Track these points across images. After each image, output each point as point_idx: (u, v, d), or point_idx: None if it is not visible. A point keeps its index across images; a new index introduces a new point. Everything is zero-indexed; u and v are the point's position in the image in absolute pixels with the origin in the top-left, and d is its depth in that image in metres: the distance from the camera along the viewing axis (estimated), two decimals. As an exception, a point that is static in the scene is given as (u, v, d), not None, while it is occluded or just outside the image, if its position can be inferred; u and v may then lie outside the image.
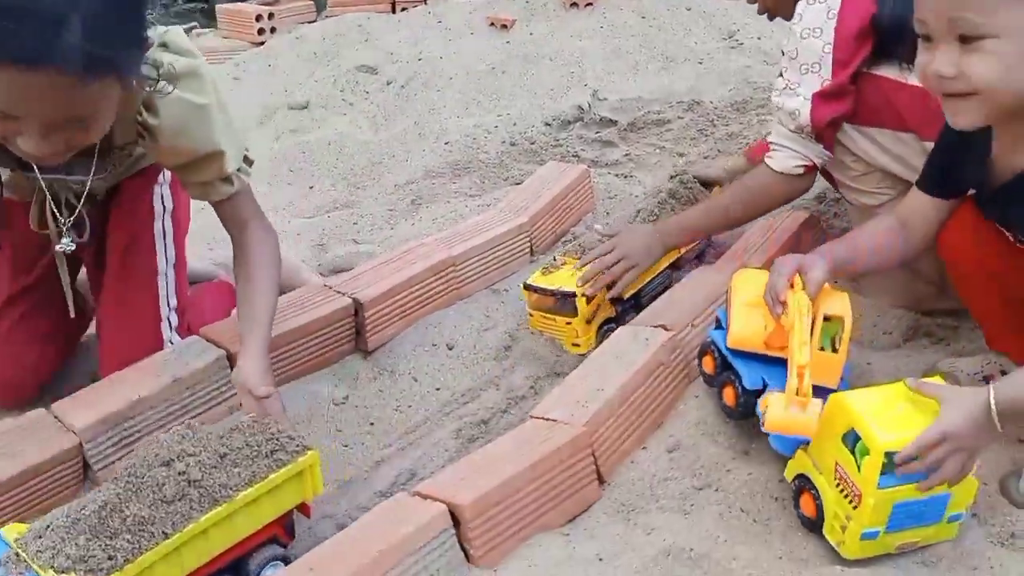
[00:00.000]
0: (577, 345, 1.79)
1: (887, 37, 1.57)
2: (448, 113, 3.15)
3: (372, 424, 1.72)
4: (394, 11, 4.36)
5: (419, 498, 1.30)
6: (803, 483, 1.27)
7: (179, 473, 1.21)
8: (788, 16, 1.70)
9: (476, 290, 2.05)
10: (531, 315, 1.85)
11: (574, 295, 1.74)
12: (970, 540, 1.23)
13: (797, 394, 1.20)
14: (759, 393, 1.37)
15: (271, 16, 4.29)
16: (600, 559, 1.29)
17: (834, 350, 1.34)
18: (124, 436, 1.54)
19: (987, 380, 1.45)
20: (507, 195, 2.39)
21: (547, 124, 2.93)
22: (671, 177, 2.16)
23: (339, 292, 1.87)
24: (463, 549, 1.28)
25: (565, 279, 1.80)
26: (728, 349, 1.42)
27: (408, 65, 3.50)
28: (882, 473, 1.14)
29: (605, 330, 1.80)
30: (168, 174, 1.81)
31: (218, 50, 4.19)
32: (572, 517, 1.40)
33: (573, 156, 2.76)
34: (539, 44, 3.56)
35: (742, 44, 3.29)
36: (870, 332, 1.72)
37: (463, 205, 2.60)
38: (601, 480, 1.45)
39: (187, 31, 5.12)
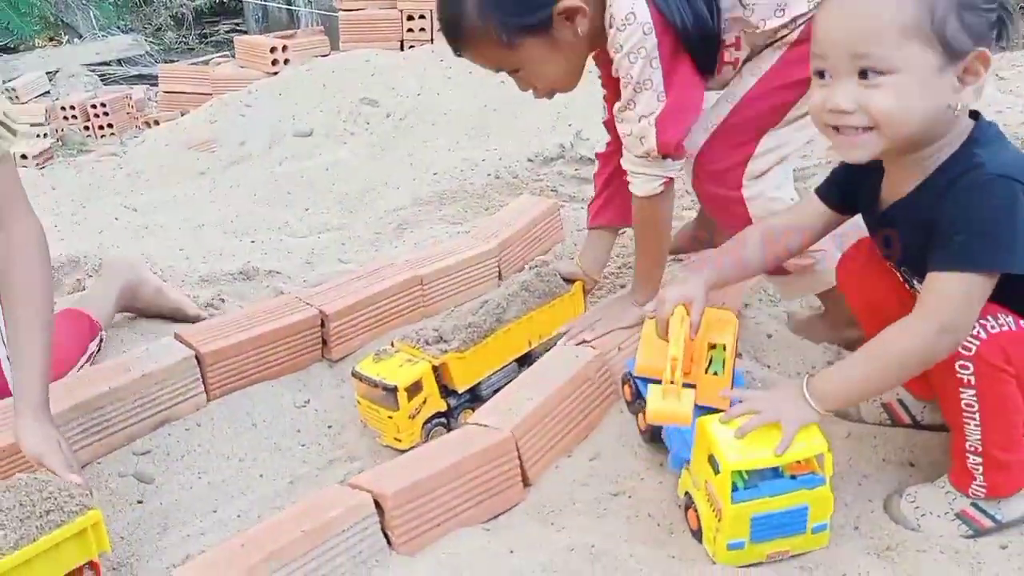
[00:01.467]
0: (399, 440, 1.67)
1: (693, 49, 1.62)
2: (440, 146, 3.32)
3: (330, 427, 1.85)
4: (402, 49, 4.57)
5: (349, 488, 1.43)
6: (688, 499, 1.38)
7: None
8: (569, 88, 1.70)
9: (443, 309, 2.18)
10: (359, 402, 1.73)
11: (396, 388, 1.63)
12: (847, 550, 1.34)
13: (672, 383, 1.32)
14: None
15: (285, 48, 4.51)
16: (511, 552, 1.40)
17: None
18: (94, 424, 1.69)
19: (884, 407, 1.56)
20: (481, 222, 2.54)
21: (530, 160, 3.09)
22: (529, 267, 2.11)
23: (307, 303, 2.02)
24: (385, 535, 1.40)
25: (392, 369, 1.67)
26: (637, 377, 1.55)
27: (408, 100, 3.69)
28: (734, 489, 1.25)
29: (434, 425, 1.70)
30: None
31: (233, 78, 4.41)
32: (495, 515, 1.52)
33: (552, 191, 2.91)
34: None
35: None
36: (794, 364, 1.83)
37: (444, 231, 2.75)
38: (527, 483, 1.57)
39: (205, 62, 5.35)
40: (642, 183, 1.70)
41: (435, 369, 1.69)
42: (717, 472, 1.28)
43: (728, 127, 1.71)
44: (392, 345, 1.75)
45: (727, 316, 1.48)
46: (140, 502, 1.62)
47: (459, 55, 1.66)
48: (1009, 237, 1.16)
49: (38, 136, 4.52)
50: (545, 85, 1.69)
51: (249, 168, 3.46)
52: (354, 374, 1.71)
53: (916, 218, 1.24)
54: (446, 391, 1.73)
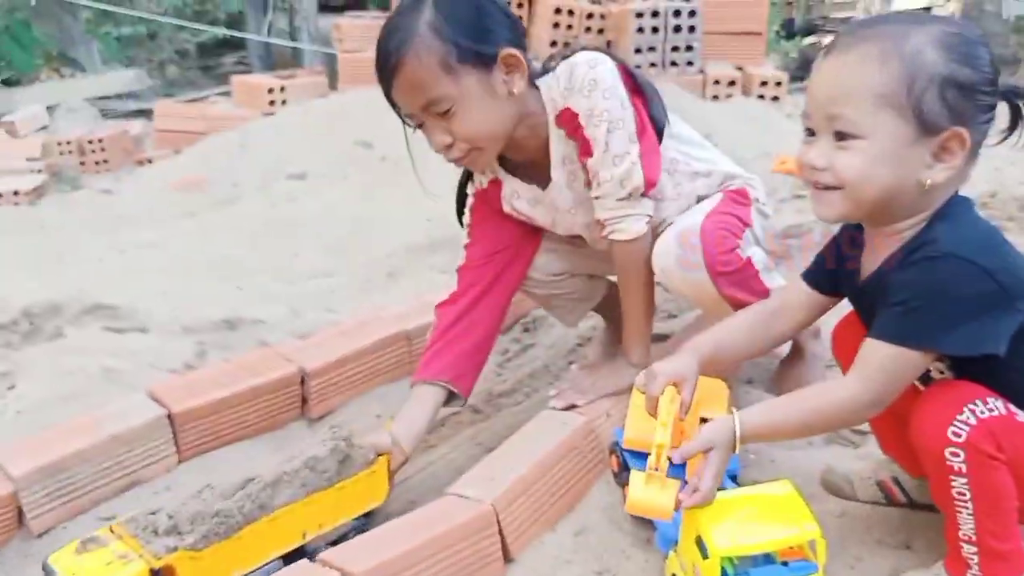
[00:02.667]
0: None
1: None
2: (434, 191, 3.27)
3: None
4: (401, 90, 4.55)
5: (319, 565, 1.35)
6: (676, 581, 1.31)
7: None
8: (488, 149, 1.61)
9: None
10: None
11: None
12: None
13: (656, 470, 1.25)
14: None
15: (284, 89, 4.50)
16: (487, 636, 1.33)
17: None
18: (59, 488, 1.62)
19: (879, 486, 1.49)
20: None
21: (525, 207, 3.04)
22: (329, 429, 1.58)
23: (288, 359, 1.95)
24: (353, 619, 1.32)
25: (97, 566, 1.30)
26: (625, 450, 1.48)
27: (403, 143, 3.65)
28: (725, 574, 1.20)
29: None
30: None
31: (229, 117, 4.39)
32: (474, 594, 1.44)
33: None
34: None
35: (716, 146, 3.41)
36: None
37: (436, 280, 2.69)
38: (508, 558, 1.49)
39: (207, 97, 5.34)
40: (630, 224, 1.67)
41: (156, 572, 1.30)
42: (705, 557, 1.22)
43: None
44: (111, 530, 1.36)
45: (719, 387, 1.42)
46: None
47: (389, 84, 1.53)
48: (943, 316, 1.14)
49: (31, 172, 4.48)
50: (468, 133, 1.56)
51: (241, 209, 3.43)
52: (44, 568, 1.32)
53: (883, 292, 1.21)
54: None
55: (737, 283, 1.64)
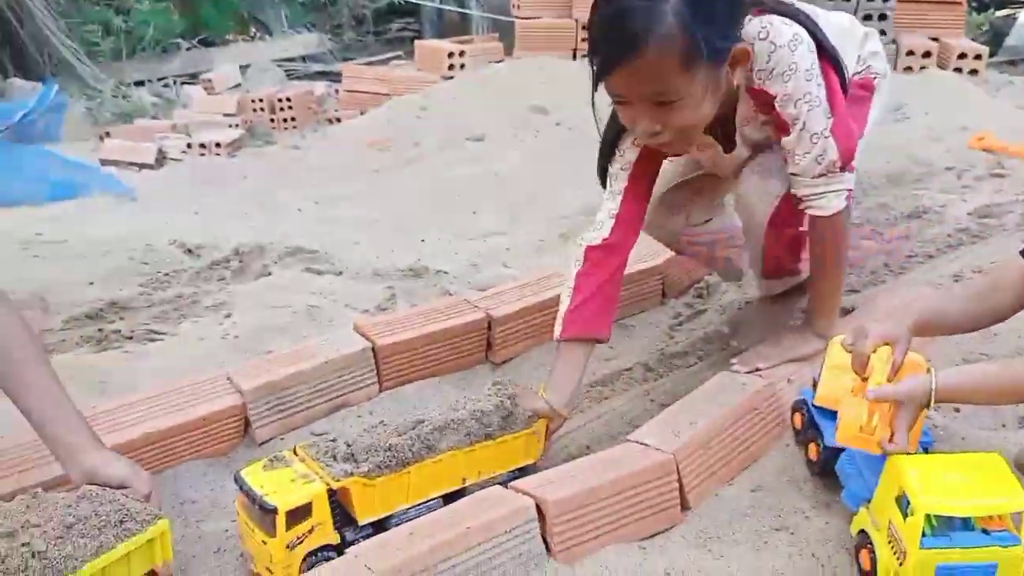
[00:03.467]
0: (269, 571, 1.40)
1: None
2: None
3: (489, 428, 1.91)
4: (575, 58, 4.62)
5: (512, 491, 1.47)
6: (864, 538, 1.34)
7: (23, 545, 1.18)
8: (692, 139, 1.65)
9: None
10: (238, 514, 1.46)
11: (275, 510, 1.35)
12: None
13: (862, 430, 1.28)
14: (839, 451, 1.46)
15: (462, 54, 4.66)
16: (667, 573, 1.40)
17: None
18: (280, 404, 1.81)
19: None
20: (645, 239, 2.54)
21: (700, 177, 3.06)
22: (493, 385, 1.66)
23: (476, 306, 2.08)
24: (545, 542, 1.43)
25: (280, 483, 1.39)
26: (815, 407, 1.51)
27: (578, 109, 3.73)
28: (924, 535, 1.21)
29: (319, 559, 1.41)
30: None
31: (411, 80, 4.59)
32: (651, 535, 1.52)
33: (721, 210, 2.87)
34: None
35: (908, 118, 3.29)
36: (982, 410, 1.73)
37: (608, 244, 2.76)
38: (685, 507, 1.56)
39: (387, 60, 5.57)
40: (830, 200, 1.70)
41: (333, 493, 1.42)
42: (907, 514, 1.23)
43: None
44: (295, 452, 1.48)
45: (919, 361, 1.42)
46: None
47: (615, 64, 1.48)
48: None
49: (230, 127, 4.85)
50: (684, 126, 1.56)
51: (422, 169, 3.61)
52: (236, 479, 1.43)
53: None
54: (344, 519, 1.45)
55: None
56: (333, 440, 1.48)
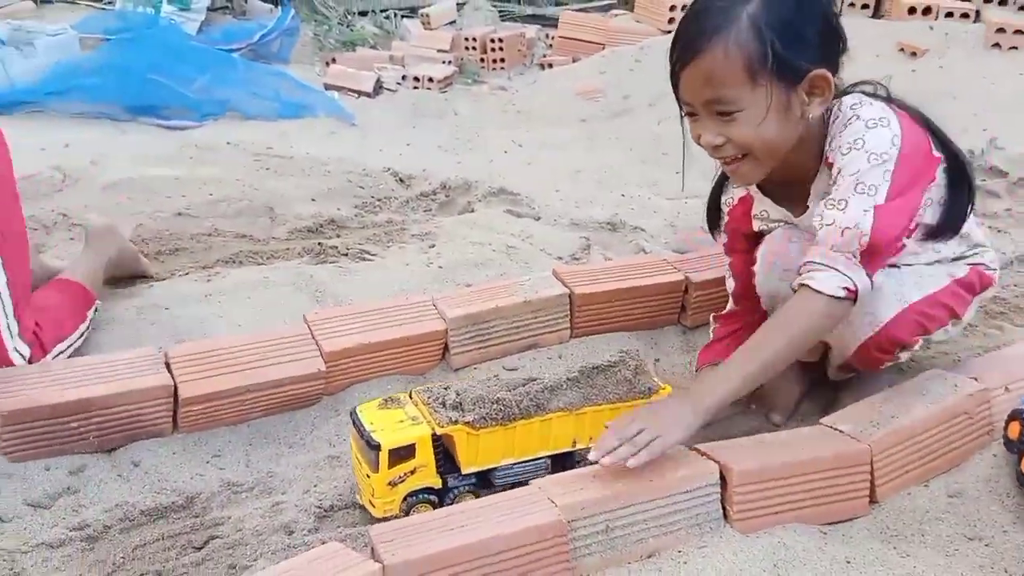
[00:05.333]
0: (372, 504, 1.46)
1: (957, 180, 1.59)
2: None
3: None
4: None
5: (698, 454, 1.48)
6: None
7: None
8: (761, 167, 1.52)
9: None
10: (352, 446, 1.52)
11: (379, 447, 1.42)
12: None
13: None
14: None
15: (684, 7, 4.55)
16: (848, 562, 1.38)
17: None
18: (478, 334, 1.91)
19: None
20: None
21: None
22: (620, 352, 1.63)
23: (675, 268, 2.09)
24: (723, 508, 1.44)
25: (388, 423, 1.46)
26: (1039, 415, 1.42)
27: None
28: None
29: (419, 500, 1.47)
30: None
31: (628, 32, 4.54)
32: (834, 521, 1.49)
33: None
34: (945, 78, 3.46)
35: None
36: None
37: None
38: (873, 500, 1.52)
39: (605, 8, 5.45)
40: (825, 277, 1.45)
41: (438, 438, 1.47)
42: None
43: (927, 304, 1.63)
44: (411, 396, 1.53)
45: None
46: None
47: (682, 64, 1.44)
48: None
49: (443, 63, 5.00)
50: (744, 142, 1.47)
51: (630, 122, 3.59)
52: (352, 414, 1.50)
53: None
54: (449, 466, 1.49)
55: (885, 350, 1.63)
56: (446, 388, 1.52)
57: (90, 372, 1.64)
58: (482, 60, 5.36)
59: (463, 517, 1.33)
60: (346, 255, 2.44)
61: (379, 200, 2.86)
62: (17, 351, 1.70)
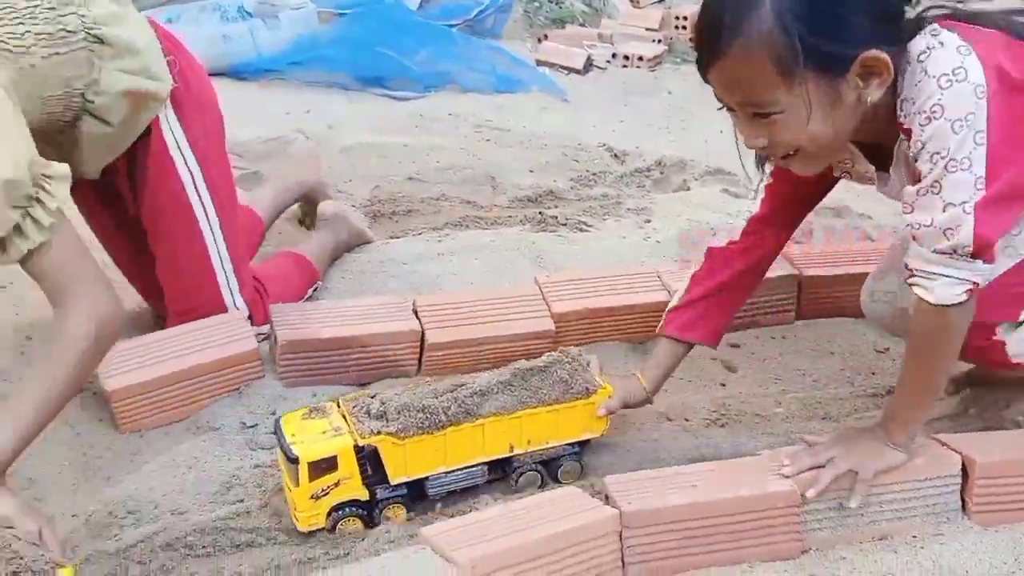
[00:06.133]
0: (297, 519, 1.41)
1: None
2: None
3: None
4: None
5: (938, 443, 1.46)
6: None
7: None
8: (815, 163, 1.34)
9: None
10: (279, 459, 1.46)
11: (298, 459, 1.36)
12: None
13: None
14: None
15: None
16: (1099, 570, 1.32)
17: None
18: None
19: None
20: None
21: None
22: (560, 352, 1.60)
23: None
24: (962, 500, 1.42)
25: (310, 434, 1.40)
26: None
27: None
28: None
29: (345, 514, 1.42)
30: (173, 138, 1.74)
31: None
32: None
33: None
34: None
35: None
36: None
37: None
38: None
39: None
40: (941, 287, 1.29)
41: (362, 448, 1.40)
42: None
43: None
44: (338, 404, 1.47)
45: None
46: (723, 384, 1.85)
47: (705, 64, 1.27)
48: None
49: (653, 41, 5.00)
50: (790, 143, 1.30)
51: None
52: (275, 425, 1.44)
53: None
54: (379, 477, 1.43)
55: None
56: (372, 396, 1.47)
57: (351, 314, 1.82)
58: (691, 40, 5.30)
59: (695, 477, 1.39)
60: (564, 225, 2.54)
61: (594, 174, 2.94)
62: (237, 309, 1.81)
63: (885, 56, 1.24)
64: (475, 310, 1.87)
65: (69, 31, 1.53)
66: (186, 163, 1.75)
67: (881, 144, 1.39)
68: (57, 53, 1.51)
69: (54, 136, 1.57)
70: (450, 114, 3.52)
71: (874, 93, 1.26)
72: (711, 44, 1.25)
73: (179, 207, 1.76)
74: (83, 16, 1.55)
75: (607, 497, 1.37)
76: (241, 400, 1.71)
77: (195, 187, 1.76)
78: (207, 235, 1.79)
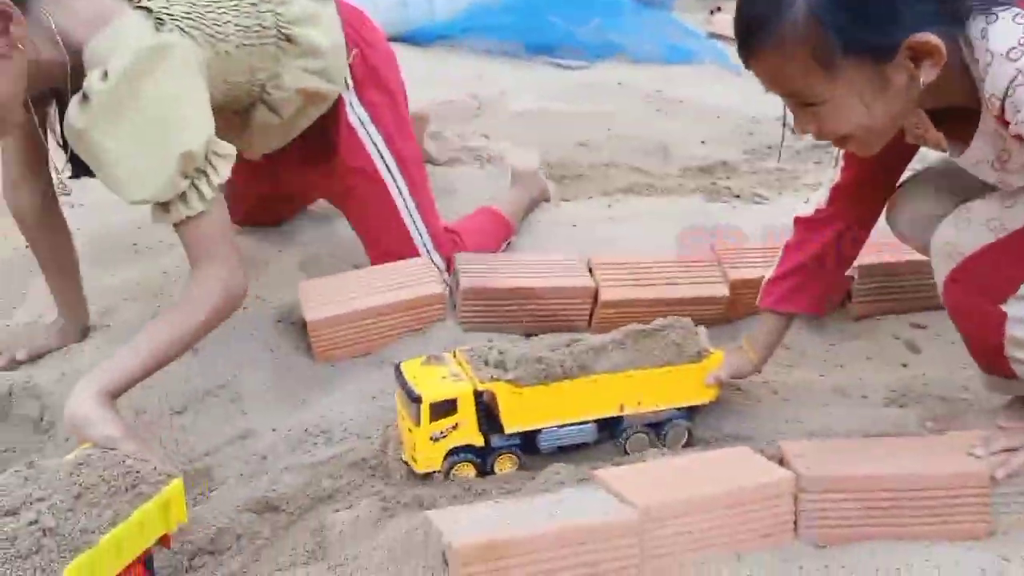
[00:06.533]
0: (414, 459, 1.43)
1: None
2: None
3: None
4: None
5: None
6: None
7: (30, 523, 1.06)
8: (870, 146, 1.28)
9: None
10: (398, 402, 1.49)
11: (420, 399, 1.39)
12: None
13: None
14: None
15: None
16: None
17: None
18: (885, 285, 1.89)
19: None
20: None
21: None
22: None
23: None
24: None
25: (431, 378, 1.43)
26: None
27: None
28: None
29: (460, 459, 1.44)
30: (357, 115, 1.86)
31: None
32: None
33: None
34: None
35: None
36: None
37: None
38: None
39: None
40: None
41: (480, 395, 1.43)
42: None
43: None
44: (454, 355, 1.50)
45: None
46: (905, 365, 1.79)
47: (744, 58, 1.24)
48: None
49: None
50: (845, 131, 1.24)
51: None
52: (395, 370, 1.48)
53: None
54: (493, 425, 1.44)
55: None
56: (489, 347, 1.50)
57: (529, 267, 1.88)
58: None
59: (880, 449, 1.36)
60: (739, 196, 2.51)
61: (769, 148, 2.88)
62: (435, 265, 1.92)
63: (935, 39, 1.17)
64: (650, 271, 1.88)
65: (264, 27, 1.66)
66: (372, 140, 1.87)
67: (954, 109, 1.31)
68: (250, 45, 1.64)
69: (229, 117, 1.69)
70: (619, 84, 3.53)
71: (927, 74, 1.19)
72: (748, 39, 1.22)
73: (370, 182, 1.89)
74: (279, 14, 1.69)
75: (780, 460, 1.37)
76: (423, 340, 1.79)
77: (383, 161, 1.88)
78: (399, 203, 1.91)
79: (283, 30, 1.69)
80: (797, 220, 1.62)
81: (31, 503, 1.09)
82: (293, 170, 1.93)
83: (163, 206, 1.47)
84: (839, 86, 1.19)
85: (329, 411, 1.64)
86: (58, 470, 1.17)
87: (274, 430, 1.61)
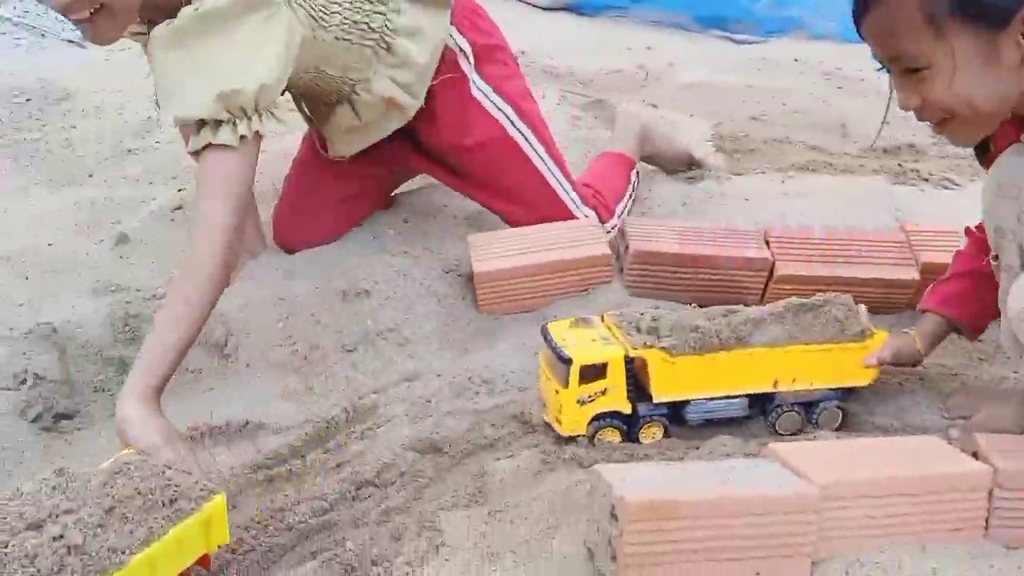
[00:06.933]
0: (558, 421, 1.40)
1: None
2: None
3: None
4: None
5: None
6: None
7: (55, 539, 0.98)
8: (979, 128, 1.25)
9: None
10: (541, 363, 1.46)
11: (570, 361, 1.35)
12: None
13: None
14: None
15: None
16: None
17: None
18: None
19: None
20: None
21: None
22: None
23: None
24: None
25: (581, 341, 1.40)
26: None
27: None
28: None
29: (605, 424, 1.40)
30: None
31: None
32: None
33: None
34: None
35: None
36: None
37: None
38: None
39: None
40: None
41: (630, 361, 1.38)
42: None
43: None
44: (603, 319, 1.47)
45: None
46: None
47: (857, 19, 1.21)
48: None
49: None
50: (944, 104, 1.20)
51: None
52: (543, 330, 1.45)
53: None
54: (640, 395, 1.40)
55: None
56: (641, 313, 1.46)
57: (702, 234, 1.82)
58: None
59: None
60: (927, 180, 2.35)
61: (960, 132, 2.68)
62: (586, 217, 1.95)
63: None
64: (831, 248, 1.79)
65: (371, 27, 1.70)
66: (499, 109, 1.90)
67: None
68: (347, 40, 1.66)
69: (317, 107, 1.76)
70: (796, 59, 3.37)
71: None
72: (861, 7, 1.22)
73: (508, 149, 1.91)
74: (388, 20, 1.71)
75: (975, 453, 1.27)
76: (586, 301, 1.77)
77: (514, 126, 1.91)
78: (539, 164, 1.93)
79: (386, 37, 1.73)
80: (968, 231, 1.55)
81: (57, 516, 1.01)
82: (418, 153, 1.95)
83: (197, 130, 1.48)
84: (946, 52, 1.17)
85: (492, 362, 1.65)
86: (90, 479, 1.08)
87: (439, 375, 1.63)
